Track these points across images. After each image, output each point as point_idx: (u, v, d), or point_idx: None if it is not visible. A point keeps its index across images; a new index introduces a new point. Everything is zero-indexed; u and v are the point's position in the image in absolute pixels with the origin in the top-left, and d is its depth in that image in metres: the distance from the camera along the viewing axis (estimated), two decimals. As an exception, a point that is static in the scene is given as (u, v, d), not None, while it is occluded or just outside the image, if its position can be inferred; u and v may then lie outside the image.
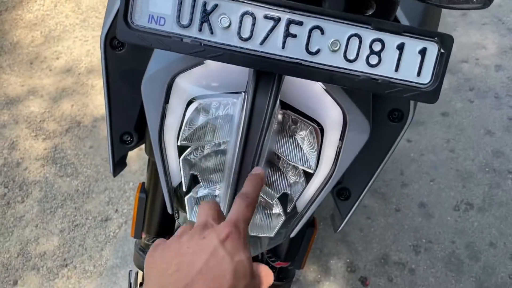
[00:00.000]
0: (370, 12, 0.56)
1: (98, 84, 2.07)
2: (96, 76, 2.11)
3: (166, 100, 0.57)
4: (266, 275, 0.47)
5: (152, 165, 0.86)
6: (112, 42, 0.70)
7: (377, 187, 1.71)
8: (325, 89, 0.56)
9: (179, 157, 0.60)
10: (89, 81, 2.09)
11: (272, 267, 0.91)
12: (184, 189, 0.62)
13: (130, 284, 1.02)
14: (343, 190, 0.76)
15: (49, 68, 2.15)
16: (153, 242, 0.79)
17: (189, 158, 0.60)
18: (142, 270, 0.99)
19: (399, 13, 0.64)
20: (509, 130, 1.90)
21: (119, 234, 1.60)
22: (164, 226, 0.96)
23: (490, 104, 1.99)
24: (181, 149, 0.60)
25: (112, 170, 0.79)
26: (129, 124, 0.76)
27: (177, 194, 0.66)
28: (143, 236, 0.96)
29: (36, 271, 1.51)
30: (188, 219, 0.66)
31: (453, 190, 1.72)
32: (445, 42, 0.47)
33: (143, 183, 0.90)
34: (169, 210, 0.69)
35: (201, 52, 0.47)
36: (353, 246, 1.57)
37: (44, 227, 1.62)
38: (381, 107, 0.67)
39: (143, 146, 0.83)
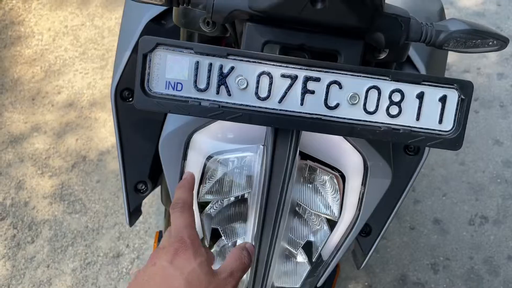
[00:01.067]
0: (383, 56, 0.56)
1: (101, 117, 2.07)
2: (99, 109, 2.11)
3: (184, 157, 0.57)
4: (236, 260, 0.48)
5: (169, 215, 0.85)
6: (122, 94, 0.70)
7: (389, 205, 1.69)
8: (344, 137, 0.55)
9: (200, 213, 0.59)
10: (92, 114, 2.08)
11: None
12: (207, 244, 0.61)
13: None
14: (364, 226, 0.75)
15: (51, 103, 2.15)
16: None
17: (209, 212, 0.59)
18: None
19: (411, 52, 0.64)
20: (517, 139, 1.89)
21: (132, 269, 1.58)
22: None
23: (496, 113, 1.98)
24: (201, 205, 0.59)
25: (128, 220, 0.78)
26: (143, 173, 0.75)
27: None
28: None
29: (50, 313, 1.49)
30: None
31: (466, 204, 1.70)
32: (465, 88, 0.47)
33: (160, 231, 0.89)
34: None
35: (220, 114, 0.46)
36: (371, 269, 1.54)
37: (56, 267, 1.60)
38: None
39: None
